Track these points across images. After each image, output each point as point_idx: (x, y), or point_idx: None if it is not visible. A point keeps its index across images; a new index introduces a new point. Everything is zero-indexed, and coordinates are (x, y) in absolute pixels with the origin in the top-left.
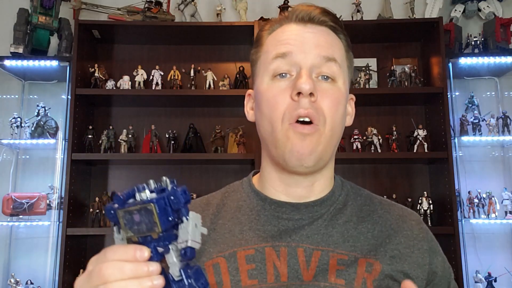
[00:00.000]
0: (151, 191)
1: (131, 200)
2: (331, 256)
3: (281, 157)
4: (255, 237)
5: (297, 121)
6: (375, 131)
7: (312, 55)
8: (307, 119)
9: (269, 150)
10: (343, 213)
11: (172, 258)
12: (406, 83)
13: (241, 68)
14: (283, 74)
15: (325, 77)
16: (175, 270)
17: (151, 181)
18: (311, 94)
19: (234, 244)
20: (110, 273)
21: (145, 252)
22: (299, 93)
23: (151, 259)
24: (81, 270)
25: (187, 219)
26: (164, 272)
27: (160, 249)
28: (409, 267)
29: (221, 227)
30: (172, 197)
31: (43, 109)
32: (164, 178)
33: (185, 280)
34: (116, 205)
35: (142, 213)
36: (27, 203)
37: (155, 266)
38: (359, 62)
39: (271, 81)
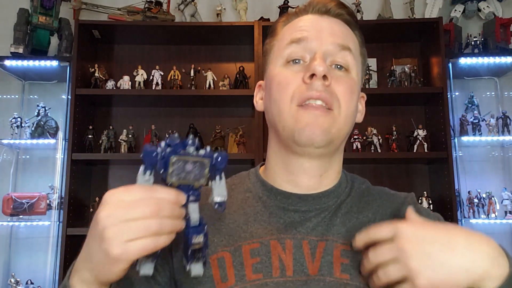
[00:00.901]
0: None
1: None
2: (335, 247)
3: (290, 137)
4: (260, 229)
5: (309, 103)
6: (375, 131)
7: (327, 42)
8: (319, 102)
9: (278, 134)
10: (345, 204)
11: (196, 206)
12: (406, 83)
13: (241, 68)
14: (297, 60)
15: (338, 66)
16: (196, 217)
17: (191, 137)
18: (324, 77)
19: (239, 237)
20: (153, 209)
21: (184, 198)
22: (312, 76)
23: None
24: None
25: (220, 178)
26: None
27: (192, 198)
28: None
29: (226, 217)
30: (219, 158)
31: (43, 109)
32: (194, 139)
33: (202, 226)
34: (168, 149)
35: (196, 164)
36: (27, 203)
37: (184, 211)
38: None
39: (284, 67)
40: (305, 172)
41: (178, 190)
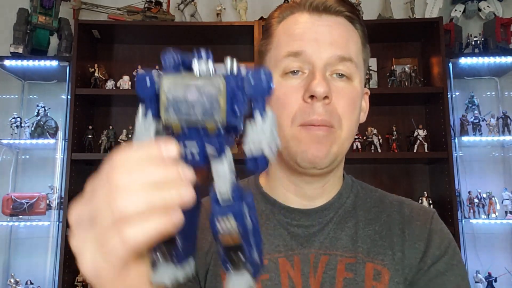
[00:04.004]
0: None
1: (184, 72)
2: (339, 261)
3: (292, 158)
4: (267, 244)
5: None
6: (375, 131)
7: (327, 54)
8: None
9: (279, 151)
10: (352, 216)
11: (224, 168)
12: (406, 83)
13: None
14: (295, 71)
15: (340, 74)
16: (223, 186)
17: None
18: (325, 97)
19: None
20: (119, 178)
21: (173, 148)
22: (312, 96)
23: (192, 161)
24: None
25: (262, 116)
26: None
27: (210, 150)
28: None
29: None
30: (252, 79)
31: (43, 109)
32: (228, 60)
33: (235, 204)
34: (161, 73)
35: (202, 89)
36: (27, 203)
37: (189, 173)
38: None
39: (282, 79)
40: (308, 184)
41: (164, 139)
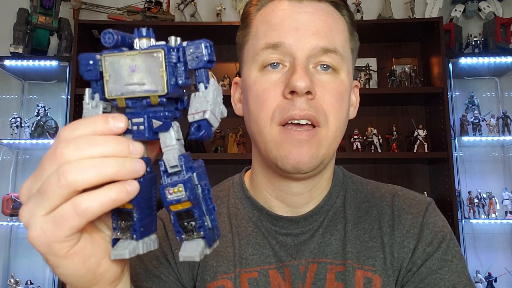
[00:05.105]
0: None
1: (125, 49)
2: (329, 269)
3: (273, 161)
4: (256, 255)
5: (291, 123)
6: (375, 131)
7: (309, 45)
8: (303, 121)
9: (260, 152)
10: (342, 217)
11: (171, 139)
12: (406, 83)
13: None
14: (274, 64)
15: (325, 66)
16: (171, 156)
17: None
18: (308, 92)
19: (236, 263)
20: (69, 152)
21: (122, 120)
22: (293, 91)
23: (139, 135)
24: None
25: (205, 86)
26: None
27: (156, 123)
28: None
29: (220, 239)
30: (191, 50)
31: (43, 109)
32: (172, 37)
33: (184, 172)
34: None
35: (142, 63)
36: None
37: (138, 146)
38: (359, 62)
39: (260, 73)
40: (293, 191)
41: (111, 114)
